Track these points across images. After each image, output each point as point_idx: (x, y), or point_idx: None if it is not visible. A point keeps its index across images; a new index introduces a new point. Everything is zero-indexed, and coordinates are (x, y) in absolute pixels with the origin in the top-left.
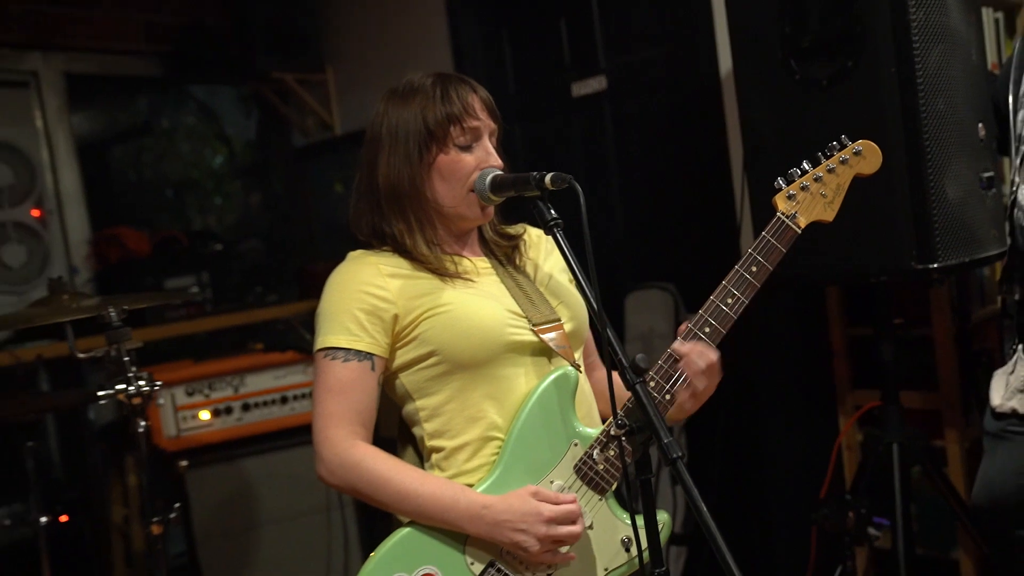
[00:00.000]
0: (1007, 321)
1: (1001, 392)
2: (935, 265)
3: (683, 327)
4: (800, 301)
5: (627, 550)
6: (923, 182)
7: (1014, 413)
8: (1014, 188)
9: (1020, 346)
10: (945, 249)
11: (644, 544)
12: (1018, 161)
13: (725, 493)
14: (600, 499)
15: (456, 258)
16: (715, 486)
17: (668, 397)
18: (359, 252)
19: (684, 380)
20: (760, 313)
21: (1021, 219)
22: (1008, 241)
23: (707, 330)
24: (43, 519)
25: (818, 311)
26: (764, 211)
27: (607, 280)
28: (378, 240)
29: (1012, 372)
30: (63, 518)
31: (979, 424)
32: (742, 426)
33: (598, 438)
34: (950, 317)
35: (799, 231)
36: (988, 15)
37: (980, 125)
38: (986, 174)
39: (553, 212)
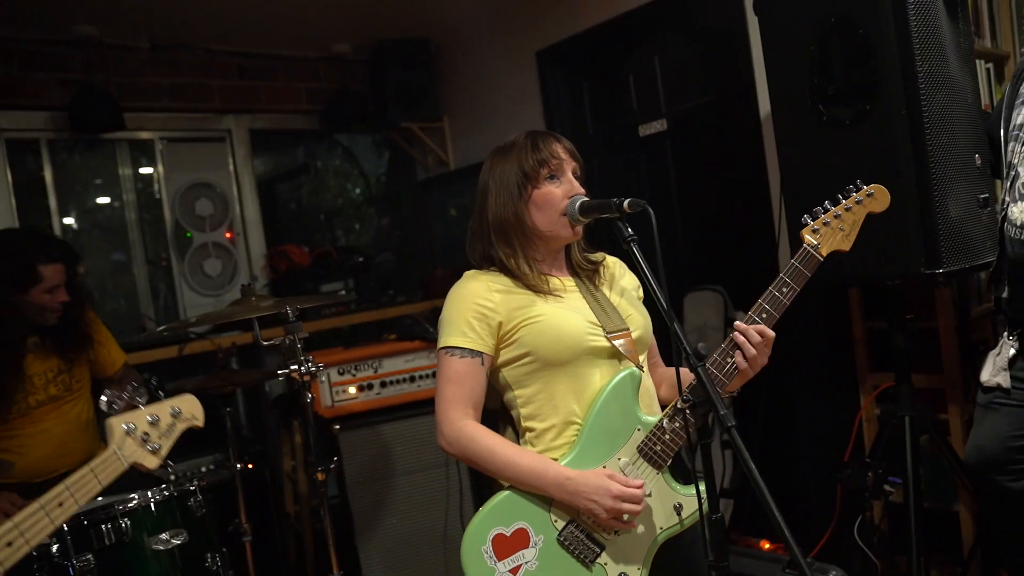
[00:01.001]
0: (999, 316)
1: (990, 370)
2: (940, 270)
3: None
4: (828, 299)
5: (678, 514)
6: (930, 202)
7: (999, 387)
8: (1003, 205)
9: (1006, 334)
10: (948, 257)
11: (698, 505)
12: (1007, 183)
13: (765, 457)
14: (657, 473)
15: (549, 278)
16: (757, 452)
17: (731, 362)
18: (473, 272)
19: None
20: (794, 309)
21: (1008, 230)
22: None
23: None
24: (238, 466)
25: (842, 307)
26: (797, 228)
27: (669, 283)
28: (487, 263)
29: (999, 354)
30: (250, 466)
31: (976, 400)
32: (779, 402)
33: (667, 411)
34: (952, 313)
35: (822, 259)
36: (981, 65)
37: (977, 156)
38: (982, 195)
39: (630, 230)
